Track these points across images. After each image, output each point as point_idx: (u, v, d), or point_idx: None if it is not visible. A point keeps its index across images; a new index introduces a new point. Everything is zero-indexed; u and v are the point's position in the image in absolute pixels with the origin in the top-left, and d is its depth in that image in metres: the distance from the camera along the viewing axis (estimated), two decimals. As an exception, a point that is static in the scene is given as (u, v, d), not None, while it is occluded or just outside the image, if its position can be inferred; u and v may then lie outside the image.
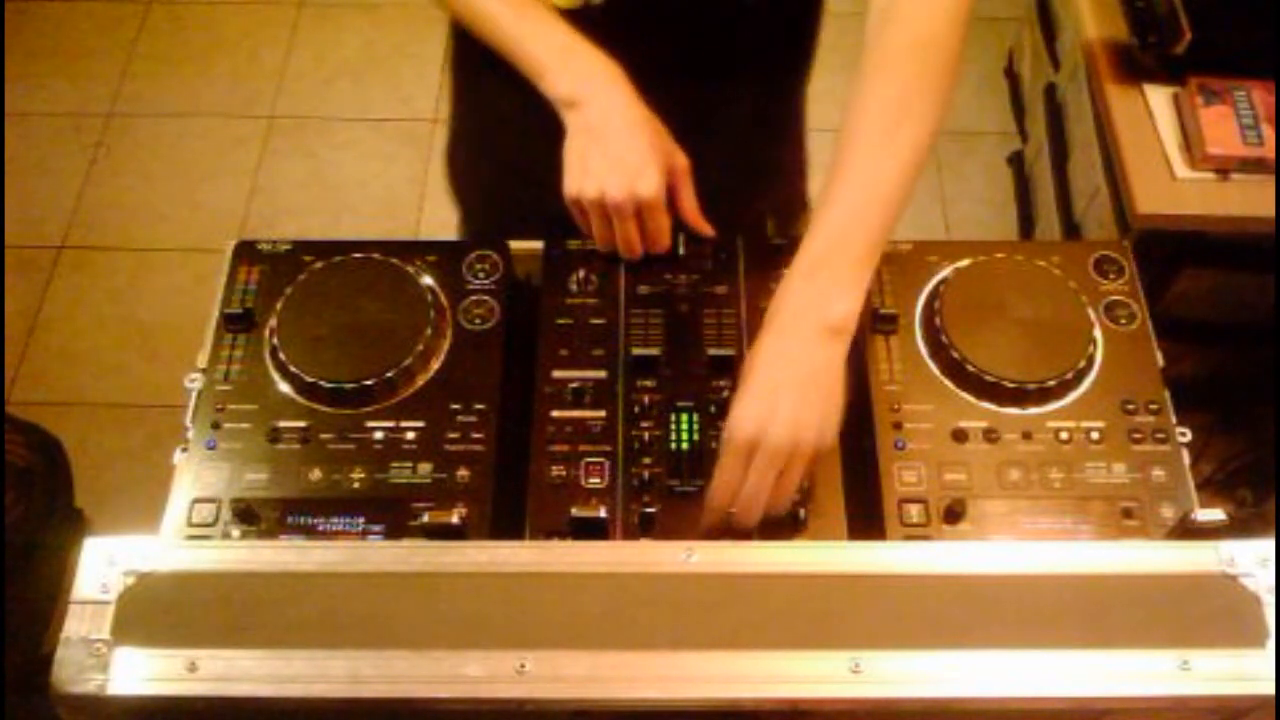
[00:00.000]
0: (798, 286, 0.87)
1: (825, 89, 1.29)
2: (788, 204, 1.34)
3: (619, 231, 1.00)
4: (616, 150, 0.97)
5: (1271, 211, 1.53)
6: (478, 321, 1.01)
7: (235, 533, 0.90)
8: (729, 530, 0.86)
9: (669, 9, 1.07)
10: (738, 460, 0.84)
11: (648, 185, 0.96)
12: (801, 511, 0.90)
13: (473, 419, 0.95)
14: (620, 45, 1.02)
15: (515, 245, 1.06)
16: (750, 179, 1.24)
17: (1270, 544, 0.70)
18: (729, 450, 0.84)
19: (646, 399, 0.96)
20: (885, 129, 0.91)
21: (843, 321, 0.86)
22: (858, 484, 0.94)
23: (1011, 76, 2.58)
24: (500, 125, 1.19)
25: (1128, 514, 0.91)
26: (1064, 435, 0.94)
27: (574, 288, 1.02)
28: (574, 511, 0.82)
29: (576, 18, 1.03)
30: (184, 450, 0.94)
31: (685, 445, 0.94)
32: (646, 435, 0.94)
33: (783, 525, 0.89)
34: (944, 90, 0.93)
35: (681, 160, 1.01)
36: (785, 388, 0.84)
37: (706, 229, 1.04)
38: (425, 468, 0.93)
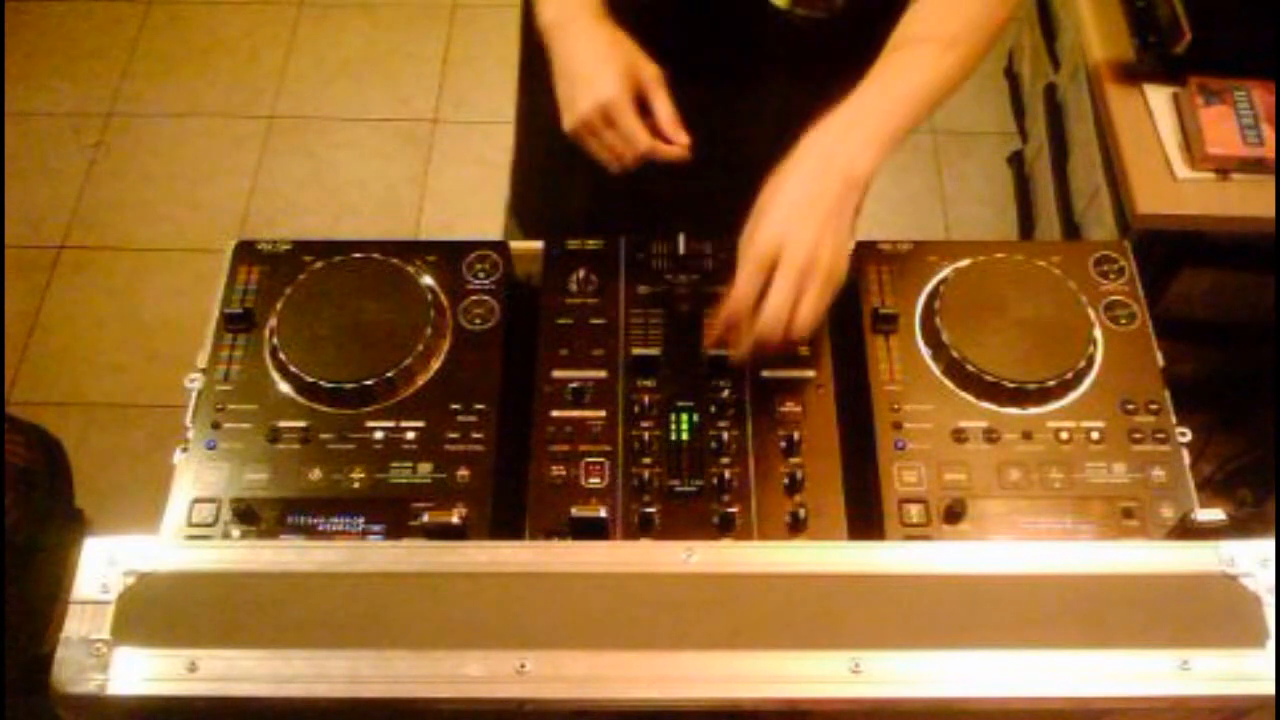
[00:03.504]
0: (831, 137, 0.95)
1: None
2: None
3: (606, 143, 1.00)
4: (576, 73, 1.01)
5: (1271, 211, 1.53)
6: (478, 321, 1.01)
7: (235, 533, 0.90)
8: (742, 344, 0.94)
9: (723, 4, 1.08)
10: (759, 271, 0.91)
11: (604, 86, 0.98)
12: (801, 511, 0.90)
13: (473, 419, 0.95)
14: (674, 40, 1.04)
15: (515, 245, 1.06)
16: None
17: (1270, 544, 0.70)
18: (751, 260, 0.91)
19: (646, 399, 0.96)
20: (943, 45, 1.00)
21: (863, 177, 0.94)
22: (858, 484, 0.94)
23: (1011, 76, 2.58)
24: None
25: (1128, 514, 0.91)
26: (1064, 435, 0.94)
27: (574, 288, 1.02)
28: (574, 511, 0.82)
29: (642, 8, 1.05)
30: (184, 450, 0.94)
31: (685, 445, 0.94)
32: (646, 435, 0.94)
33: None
34: (999, 22, 1.04)
35: (650, 69, 1.02)
36: (807, 213, 0.91)
37: (682, 137, 1.02)
38: (425, 468, 0.93)
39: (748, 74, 1.15)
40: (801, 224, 0.90)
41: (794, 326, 0.91)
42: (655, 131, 1.01)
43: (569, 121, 1.01)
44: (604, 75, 0.99)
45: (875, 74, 0.99)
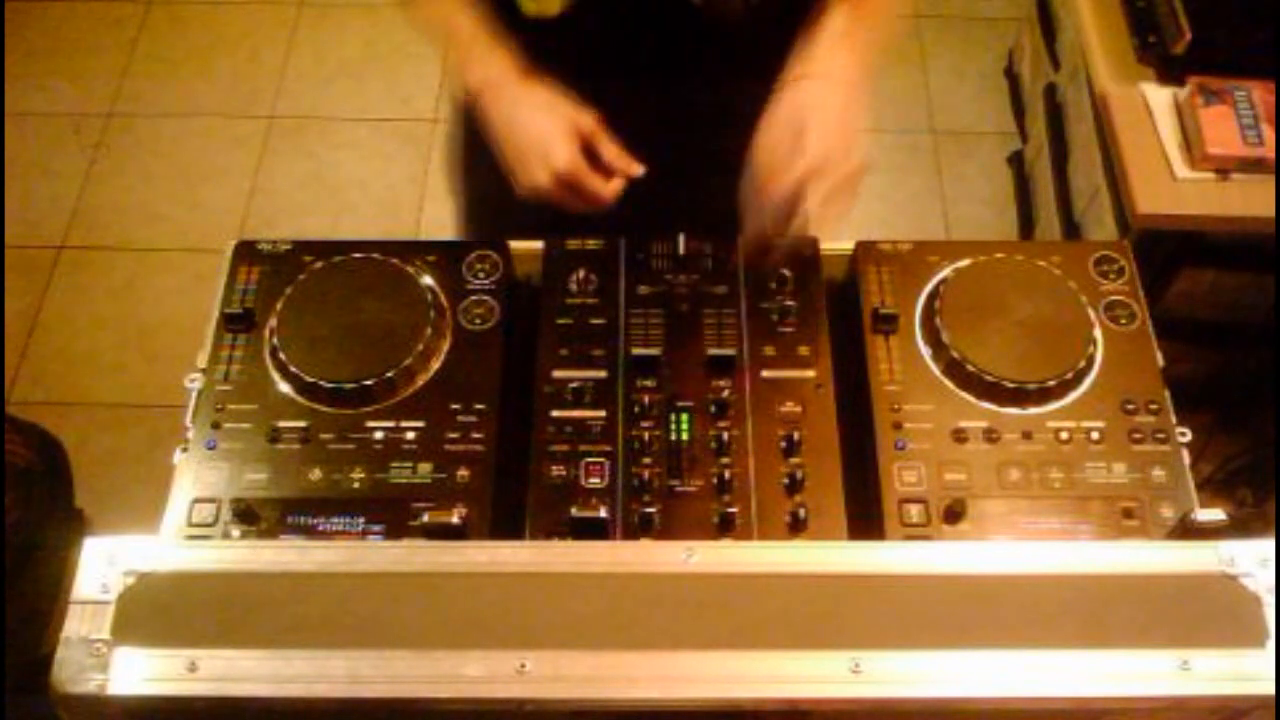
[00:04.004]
0: (827, 54, 1.02)
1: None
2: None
3: (568, 203, 1.03)
4: (525, 143, 1.03)
5: (1271, 211, 1.53)
6: (478, 321, 1.01)
7: (235, 533, 0.90)
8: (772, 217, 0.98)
9: (644, 10, 1.09)
10: (787, 130, 0.96)
11: (559, 159, 1.00)
12: (801, 511, 0.90)
13: (473, 419, 0.95)
14: (602, 47, 1.07)
15: (515, 245, 1.06)
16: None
17: (1270, 544, 0.70)
18: (779, 117, 0.98)
19: (646, 399, 0.96)
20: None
21: (861, 86, 1.01)
22: (858, 484, 0.94)
23: (1011, 76, 2.58)
24: None
25: (1128, 514, 0.91)
26: (1064, 435, 0.94)
27: (574, 288, 1.02)
28: (574, 511, 0.83)
29: (547, 27, 1.07)
30: (184, 450, 0.94)
31: (685, 445, 0.94)
32: (646, 435, 0.94)
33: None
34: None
35: (587, 121, 1.04)
36: (827, 106, 0.98)
37: (634, 168, 1.05)
38: (425, 468, 0.93)
39: (702, 71, 1.17)
40: (823, 110, 0.97)
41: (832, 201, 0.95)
42: (607, 169, 1.04)
43: (525, 189, 1.03)
44: (555, 145, 1.01)
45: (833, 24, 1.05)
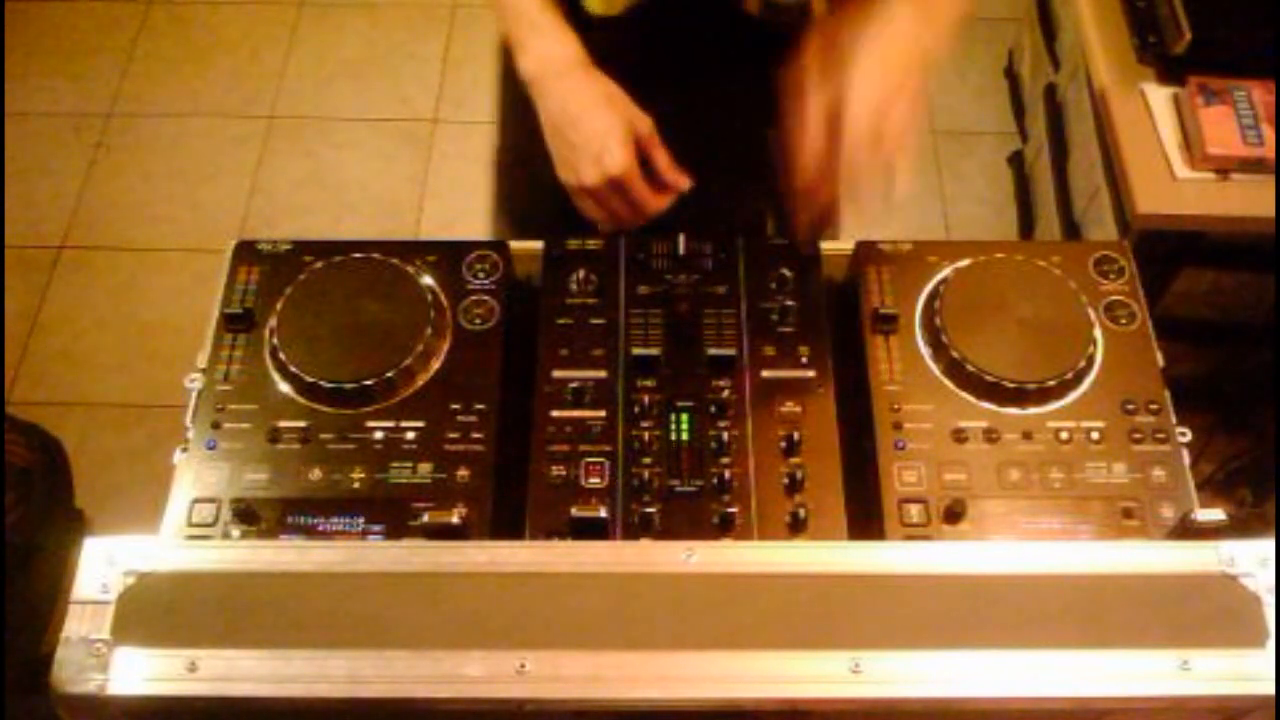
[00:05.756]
0: (902, 31, 0.94)
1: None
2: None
3: (610, 209, 1.02)
4: (579, 137, 1.00)
5: (1271, 211, 1.53)
6: (478, 321, 1.01)
7: (235, 533, 0.90)
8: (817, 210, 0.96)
9: (695, 13, 1.09)
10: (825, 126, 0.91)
11: (614, 162, 0.98)
12: (801, 511, 0.90)
13: (473, 419, 0.95)
14: (656, 47, 1.07)
15: (515, 245, 1.06)
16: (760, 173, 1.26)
17: (1270, 544, 0.70)
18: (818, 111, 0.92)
19: (646, 399, 0.96)
20: None
21: (914, 78, 0.94)
22: (858, 484, 0.94)
23: (1011, 76, 2.58)
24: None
25: (1128, 514, 0.91)
26: (1064, 435, 0.94)
27: (574, 288, 1.02)
28: (574, 511, 0.83)
29: (608, 26, 1.06)
30: (184, 450, 0.94)
31: (685, 445, 0.94)
32: (646, 435, 0.94)
33: (785, 523, 0.89)
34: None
35: (644, 124, 1.02)
36: (902, 88, 0.92)
37: (683, 181, 1.03)
38: (425, 468, 0.93)
39: (730, 73, 1.16)
40: (899, 96, 0.91)
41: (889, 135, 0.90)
42: (653, 180, 1.01)
43: (570, 183, 1.01)
44: (611, 145, 0.98)
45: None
